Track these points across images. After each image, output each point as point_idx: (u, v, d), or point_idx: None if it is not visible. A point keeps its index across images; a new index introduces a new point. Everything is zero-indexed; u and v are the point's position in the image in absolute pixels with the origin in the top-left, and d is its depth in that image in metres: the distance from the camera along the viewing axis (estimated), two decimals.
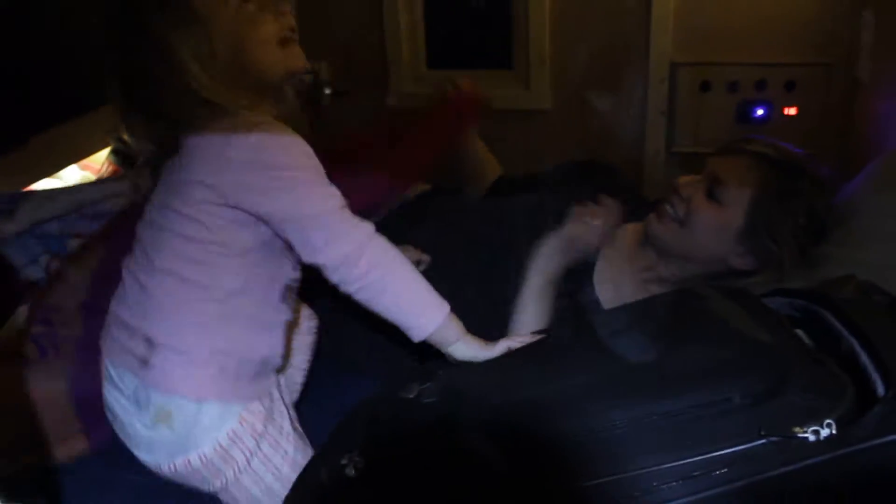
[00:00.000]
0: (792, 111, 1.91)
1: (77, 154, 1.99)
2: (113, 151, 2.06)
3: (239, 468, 1.07)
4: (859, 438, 0.70)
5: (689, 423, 0.79)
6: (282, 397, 1.16)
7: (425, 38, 2.09)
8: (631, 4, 1.91)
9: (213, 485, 1.08)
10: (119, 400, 1.08)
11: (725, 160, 1.41)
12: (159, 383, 1.04)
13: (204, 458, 1.05)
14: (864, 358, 0.84)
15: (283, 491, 1.03)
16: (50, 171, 1.94)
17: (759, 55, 1.90)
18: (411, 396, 0.98)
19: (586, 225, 1.40)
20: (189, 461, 1.05)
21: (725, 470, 0.73)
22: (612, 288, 1.42)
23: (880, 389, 0.78)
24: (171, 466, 1.06)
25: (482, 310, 1.30)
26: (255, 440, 1.08)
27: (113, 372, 1.07)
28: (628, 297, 1.37)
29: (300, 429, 1.17)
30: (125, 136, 1.69)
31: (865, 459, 0.70)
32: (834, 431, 0.72)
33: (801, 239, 1.36)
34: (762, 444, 0.74)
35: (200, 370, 1.04)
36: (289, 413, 1.16)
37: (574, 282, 1.45)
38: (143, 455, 1.09)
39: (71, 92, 2.03)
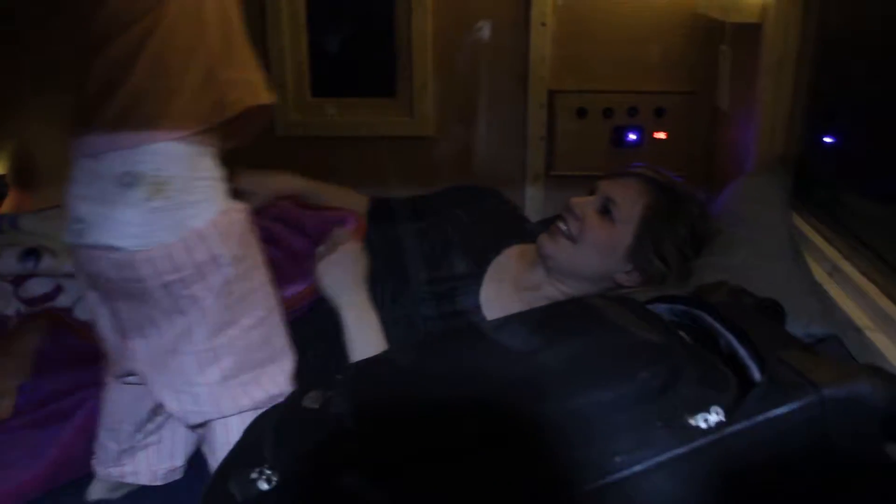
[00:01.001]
0: (662, 136, 2.04)
1: None
2: None
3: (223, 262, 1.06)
4: (743, 418, 0.77)
5: (592, 419, 0.85)
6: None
7: (309, 66, 2.10)
8: (510, 35, 1.99)
9: (191, 289, 1.06)
10: (98, 194, 1.03)
11: (617, 182, 1.49)
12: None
13: (199, 234, 1.03)
14: (741, 351, 0.93)
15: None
16: None
17: (631, 83, 2.02)
18: (315, 407, 1.00)
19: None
20: (187, 241, 1.02)
21: (627, 456, 0.79)
22: (499, 309, 1.45)
23: (757, 376, 0.86)
24: (168, 251, 1.02)
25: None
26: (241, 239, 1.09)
27: (91, 166, 1.04)
28: None
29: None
30: None
31: (751, 436, 0.76)
32: (722, 417, 0.79)
33: (685, 254, 1.46)
34: (660, 433, 0.80)
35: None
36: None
37: (459, 304, 1.49)
38: (131, 240, 1.02)
39: None
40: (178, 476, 1.31)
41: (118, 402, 1.25)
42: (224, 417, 1.15)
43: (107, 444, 1.27)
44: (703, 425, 0.79)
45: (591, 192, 1.50)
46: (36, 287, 1.55)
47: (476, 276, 1.52)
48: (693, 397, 0.83)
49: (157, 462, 1.30)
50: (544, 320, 1.05)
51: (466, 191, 1.77)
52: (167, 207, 1.02)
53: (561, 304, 1.16)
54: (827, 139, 1.63)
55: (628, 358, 0.90)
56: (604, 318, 1.03)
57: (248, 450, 1.01)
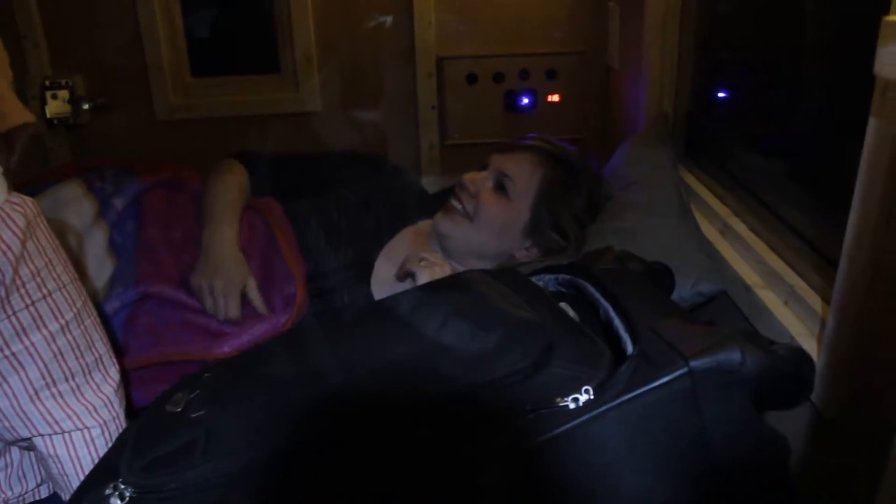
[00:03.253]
0: (555, 98, 2.00)
1: None
2: None
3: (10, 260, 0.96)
4: (611, 397, 0.73)
5: (462, 405, 0.80)
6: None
7: (186, 45, 1.99)
8: (394, 2, 1.92)
9: None
10: None
11: (510, 156, 1.44)
12: None
13: None
14: (616, 322, 0.89)
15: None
16: None
17: (520, 46, 1.97)
18: (178, 410, 0.93)
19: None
20: None
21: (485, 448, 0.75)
22: (389, 287, 1.40)
23: (630, 349, 0.82)
24: None
25: None
26: (26, 231, 0.98)
27: None
28: None
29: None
30: None
31: (620, 415, 0.73)
32: (592, 396, 0.75)
33: (582, 224, 1.43)
34: (531, 417, 0.75)
35: None
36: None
37: (350, 296, 1.43)
38: None
39: None
40: (35, 498, 1.21)
41: None
42: (41, 435, 1.05)
43: None
44: (571, 406, 0.75)
45: (484, 167, 1.45)
46: None
47: (365, 265, 1.46)
48: (566, 377, 0.79)
49: (7, 487, 1.20)
50: (416, 302, 1.00)
51: (355, 161, 1.69)
52: None
53: (436, 284, 1.10)
54: (716, 94, 1.61)
55: (499, 339, 0.86)
56: (478, 297, 0.98)
57: (105, 464, 0.94)
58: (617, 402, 0.73)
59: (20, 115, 1.04)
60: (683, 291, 1.24)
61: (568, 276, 1.11)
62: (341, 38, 1.95)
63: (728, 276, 1.26)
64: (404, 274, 1.34)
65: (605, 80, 1.99)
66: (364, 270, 1.45)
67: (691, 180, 1.53)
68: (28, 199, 1.03)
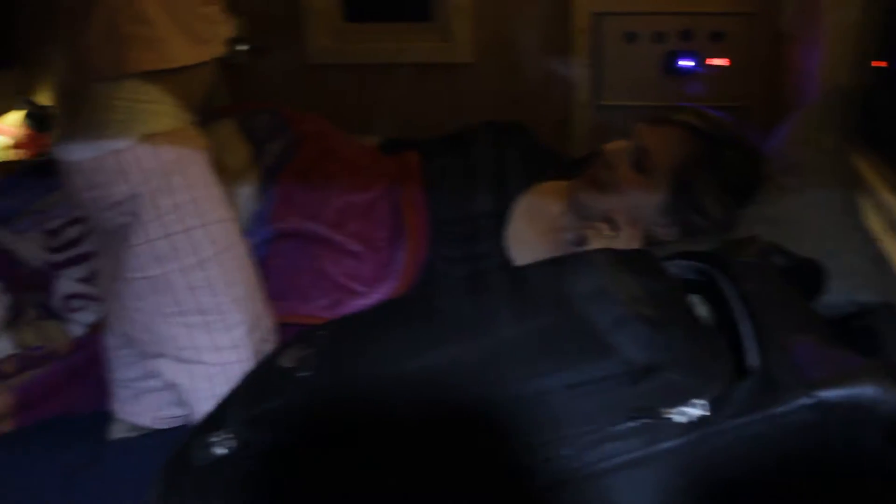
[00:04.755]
0: (719, 62, 1.85)
1: None
2: (28, 115, 1.97)
3: (150, 188, 1.04)
4: (723, 418, 0.65)
5: (561, 402, 0.75)
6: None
7: None
8: None
9: (127, 208, 1.06)
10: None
11: (653, 130, 1.37)
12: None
13: (117, 160, 1.03)
14: (743, 329, 0.80)
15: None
16: None
17: (684, 4, 1.83)
18: (288, 366, 0.93)
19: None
20: (102, 161, 1.03)
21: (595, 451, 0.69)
22: (527, 250, 1.36)
23: (754, 364, 0.73)
24: (88, 167, 1.05)
25: None
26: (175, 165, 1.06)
27: None
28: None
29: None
30: (35, 99, 1.61)
31: (729, 440, 0.65)
32: (704, 412, 0.68)
33: (727, 205, 1.33)
34: (631, 426, 0.69)
35: None
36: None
37: (483, 245, 1.39)
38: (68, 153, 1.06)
39: None
40: (182, 422, 1.26)
41: (112, 345, 1.21)
42: (167, 357, 1.11)
43: (113, 386, 1.24)
44: (680, 419, 0.68)
45: (628, 137, 1.37)
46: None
47: (500, 215, 1.42)
48: (676, 385, 0.72)
49: (159, 407, 1.25)
50: (528, 280, 0.94)
51: (488, 128, 1.64)
52: (87, 123, 1.04)
53: (551, 262, 1.04)
54: None
55: (606, 332, 0.79)
56: (598, 281, 0.91)
57: (216, 411, 0.95)
58: (729, 424, 0.65)
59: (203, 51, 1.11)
60: (836, 298, 1.10)
61: (703, 265, 1.02)
62: None
63: (894, 285, 1.12)
64: (578, 239, 1.32)
65: (776, 45, 1.81)
66: (499, 221, 1.41)
67: (864, 168, 1.37)
68: (189, 134, 1.10)
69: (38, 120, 1.97)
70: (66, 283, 1.35)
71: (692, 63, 1.85)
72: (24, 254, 1.38)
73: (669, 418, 0.68)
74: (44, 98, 2.03)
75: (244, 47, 2.02)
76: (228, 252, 1.10)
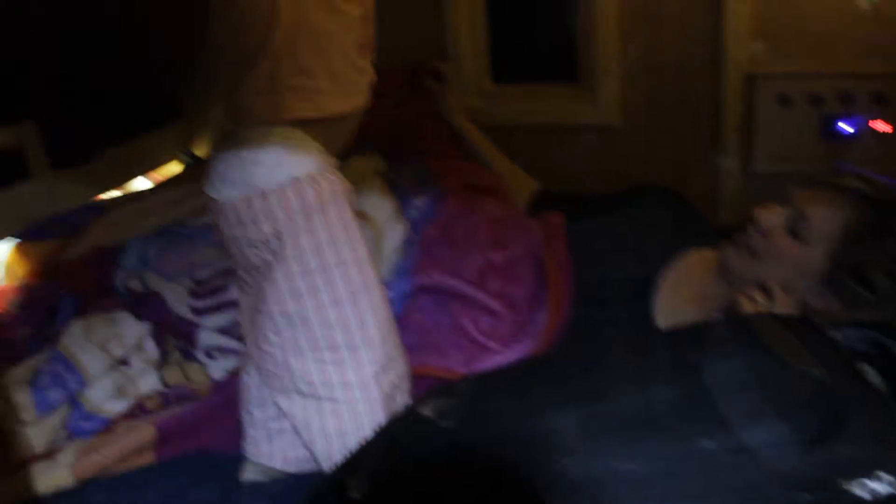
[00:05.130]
0: (883, 127, 1.77)
1: (145, 166, 2.02)
2: (187, 167, 2.09)
3: (294, 228, 1.09)
4: None
5: (725, 469, 0.71)
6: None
7: (488, 51, 2.02)
8: (701, 10, 1.81)
9: (269, 247, 1.10)
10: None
11: (811, 194, 1.30)
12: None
13: (264, 200, 1.08)
14: None
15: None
16: (118, 182, 1.98)
17: (843, 64, 1.76)
18: (430, 417, 0.93)
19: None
20: (250, 200, 1.08)
21: None
22: (674, 318, 1.32)
23: None
24: (234, 207, 1.10)
25: None
26: (317, 206, 1.10)
27: None
28: None
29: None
30: (195, 151, 1.71)
31: None
32: (892, 489, 0.63)
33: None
34: (808, 498, 0.65)
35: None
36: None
37: (628, 309, 1.36)
38: (216, 192, 1.13)
39: (142, 107, 2.08)
40: (312, 466, 1.28)
41: (248, 385, 1.25)
42: (297, 393, 1.14)
43: (246, 427, 1.28)
44: (863, 495, 0.63)
45: (782, 203, 1.32)
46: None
47: (648, 280, 1.38)
48: (855, 456, 0.67)
49: (290, 448, 1.27)
50: (679, 342, 0.91)
51: (641, 190, 1.62)
52: (237, 164, 1.10)
53: (712, 324, 1.00)
54: None
55: (778, 397, 0.75)
56: (762, 344, 0.87)
57: (353, 456, 0.97)
58: None
59: (353, 101, 1.20)
60: None
61: (875, 334, 0.96)
62: (645, 50, 1.87)
63: None
64: (730, 307, 1.28)
65: None
66: (645, 287, 1.38)
67: None
68: (331, 178, 1.14)
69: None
70: (208, 335, 1.40)
71: (852, 128, 1.77)
72: (171, 298, 1.45)
73: (850, 491, 0.63)
74: (203, 150, 2.15)
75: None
76: (364, 292, 1.13)
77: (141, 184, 2.15)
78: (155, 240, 1.58)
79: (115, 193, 2.02)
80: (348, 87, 1.21)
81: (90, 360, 1.33)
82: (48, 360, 1.34)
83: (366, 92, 1.27)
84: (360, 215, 1.46)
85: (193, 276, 1.49)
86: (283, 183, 1.10)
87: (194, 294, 1.45)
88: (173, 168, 2.14)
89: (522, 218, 1.58)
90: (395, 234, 1.47)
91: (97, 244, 1.60)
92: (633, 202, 1.56)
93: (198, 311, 1.42)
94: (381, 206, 1.51)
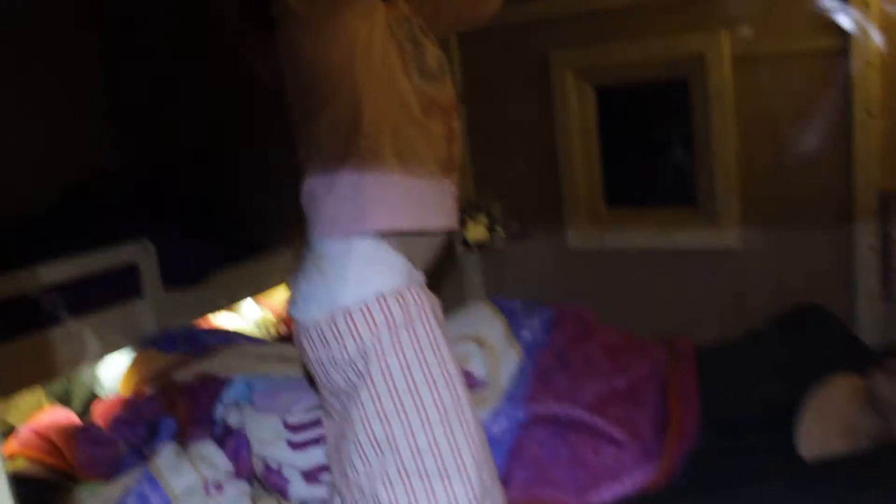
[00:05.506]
0: None
1: (254, 289, 2.03)
2: None
3: (380, 346, 1.04)
4: None
5: None
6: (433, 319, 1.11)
7: (602, 174, 1.98)
8: (830, 127, 1.72)
9: (356, 367, 1.06)
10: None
11: None
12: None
13: (349, 318, 1.05)
14: None
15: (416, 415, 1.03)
16: (226, 303, 2.00)
17: None
18: None
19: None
20: (334, 319, 1.05)
21: None
22: (820, 448, 1.20)
23: None
24: (318, 327, 1.07)
25: None
26: (403, 322, 1.06)
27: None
28: None
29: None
30: None
31: None
32: None
33: None
34: None
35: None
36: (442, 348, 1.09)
37: (770, 438, 1.24)
38: (300, 313, 1.11)
39: (253, 231, 2.12)
40: None
41: None
42: None
43: None
44: None
45: None
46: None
47: (789, 407, 1.26)
48: None
49: None
50: (836, 475, 0.79)
51: (788, 314, 1.51)
52: (321, 282, 1.09)
53: (865, 458, 0.87)
54: None
55: None
56: None
57: None
58: None
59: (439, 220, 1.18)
60: None
61: None
62: (767, 169, 1.79)
63: None
64: (882, 439, 1.17)
65: None
66: (788, 414, 1.26)
67: None
68: (418, 294, 1.10)
69: None
70: (299, 486, 1.35)
71: None
72: (259, 436, 1.40)
73: None
74: None
75: (502, 231, 2.06)
76: (456, 415, 1.06)
77: (249, 306, 2.18)
78: (260, 380, 1.56)
79: (226, 315, 2.05)
80: (432, 203, 1.18)
81: (179, 481, 1.30)
82: (138, 479, 1.31)
83: (452, 213, 1.23)
84: (478, 341, 1.42)
85: (290, 411, 1.45)
86: (369, 299, 1.06)
87: (290, 428, 1.40)
88: (282, 292, 2.15)
89: (644, 340, 1.49)
90: (510, 360, 1.42)
91: (210, 373, 1.61)
92: (779, 323, 1.48)
93: (295, 446, 1.37)
94: (493, 329, 1.46)
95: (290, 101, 1.18)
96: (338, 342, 1.07)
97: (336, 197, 1.11)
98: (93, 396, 1.80)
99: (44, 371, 1.56)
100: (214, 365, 1.65)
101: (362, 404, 1.05)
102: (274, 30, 1.17)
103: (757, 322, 1.60)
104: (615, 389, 1.35)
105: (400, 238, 1.13)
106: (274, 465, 1.37)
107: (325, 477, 1.33)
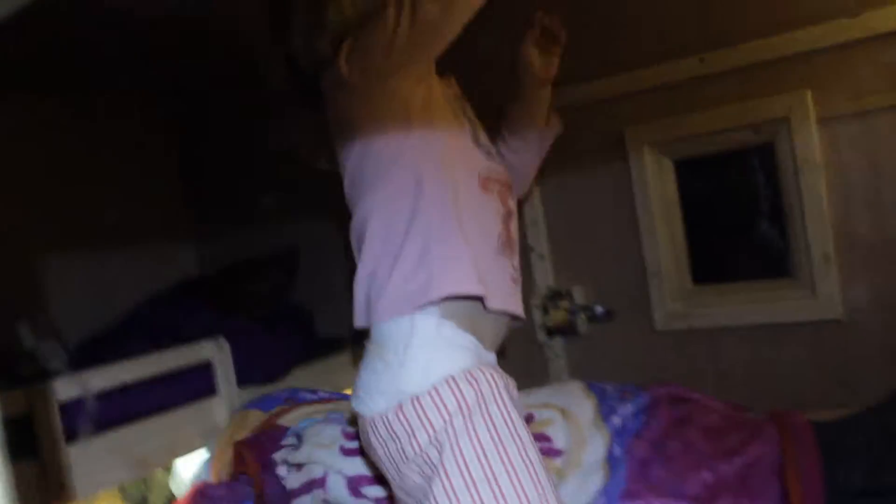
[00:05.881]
0: None
1: (328, 387, 2.00)
2: None
3: (453, 433, 0.97)
4: None
5: None
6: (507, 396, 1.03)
7: (688, 249, 1.89)
8: None
9: (428, 459, 0.99)
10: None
11: None
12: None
13: (417, 405, 0.99)
14: None
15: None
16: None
17: None
18: None
19: None
20: (402, 408, 0.99)
21: None
22: None
23: None
24: (385, 419, 1.01)
25: None
26: (476, 404, 0.99)
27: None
28: None
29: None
30: None
31: None
32: None
33: None
34: None
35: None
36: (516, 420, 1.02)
37: None
38: (364, 406, 1.05)
39: (328, 330, 2.11)
40: None
41: None
42: None
43: None
44: None
45: None
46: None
47: None
48: None
49: None
50: None
51: None
52: (384, 370, 1.03)
53: None
54: None
55: None
56: None
57: None
58: None
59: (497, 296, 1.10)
60: None
61: None
62: (866, 234, 1.67)
63: None
64: None
65: None
66: None
67: None
68: (490, 373, 1.03)
69: None
70: (339, 493, 1.34)
71: None
72: (317, 439, 1.43)
73: None
74: None
75: (584, 315, 1.98)
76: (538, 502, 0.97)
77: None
78: (315, 420, 1.56)
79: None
80: (494, 280, 1.11)
81: None
82: None
83: (515, 297, 1.15)
84: (564, 413, 1.34)
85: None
86: (438, 383, 1.00)
87: (347, 435, 1.41)
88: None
89: (752, 419, 1.37)
90: (595, 443, 1.33)
91: (274, 423, 1.60)
92: None
93: (346, 451, 1.39)
94: (582, 408, 1.37)
95: (344, 177, 1.14)
96: (407, 434, 1.00)
97: (399, 271, 1.05)
98: (171, 497, 1.76)
99: (120, 471, 1.52)
100: (293, 416, 1.64)
101: (436, 499, 0.98)
102: (323, 107, 1.15)
103: (865, 394, 1.47)
104: (723, 477, 1.24)
105: (466, 315, 1.06)
106: (320, 474, 1.35)
107: (366, 490, 1.31)
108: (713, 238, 1.91)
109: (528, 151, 1.33)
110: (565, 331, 2.00)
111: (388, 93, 1.07)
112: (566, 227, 2.01)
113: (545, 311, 2.00)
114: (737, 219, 1.90)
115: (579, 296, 1.99)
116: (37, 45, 1.63)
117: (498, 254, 1.13)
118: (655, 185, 1.87)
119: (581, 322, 1.98)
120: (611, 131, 1.90)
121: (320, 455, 1.36)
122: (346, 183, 1.13)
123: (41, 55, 1.72)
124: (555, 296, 1.99)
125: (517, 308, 1.15)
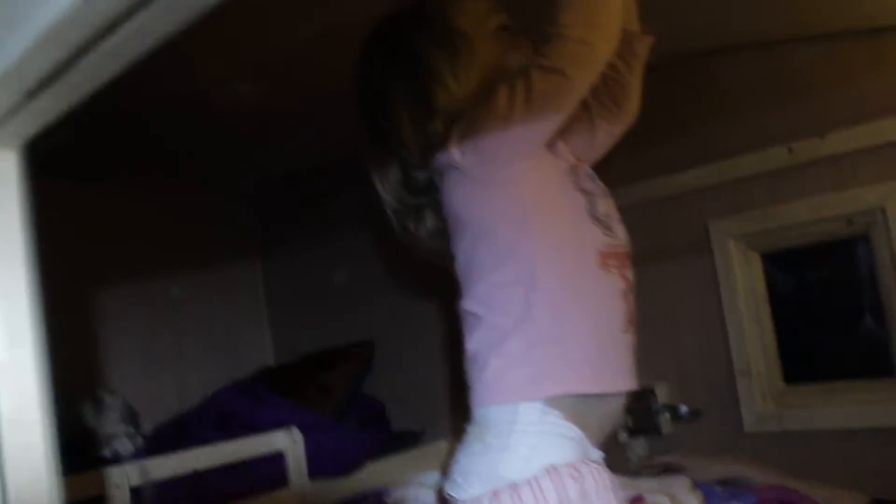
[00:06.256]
0: None
1: (403, 479, 1.96)
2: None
3: None
4: None
5: None
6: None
7: (777, 346, 1.80)
8: None
9: None
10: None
11: None
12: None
13: (515, 495, 0.94)
14: None
15: None
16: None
17: None
18: None
19: None
20: (498, 496, 0.94)
21: None
22: None
23: None
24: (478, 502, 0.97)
25: None
26: (579, 500, 0.93)
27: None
28: None
29: None
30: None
31: None
32: None
33: None
34: None
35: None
36: None
37: None
38: (461, 490, 1.00)
39: (407, 427, 2.07)
40: None
41: None
42: None
43: None
44: None
45: None
46: None
47: None
48: None
49: None
50: None
51: None
52: (483, 453, 0.99)
53: None
54: None
55: None
56: None
57: None
58: None
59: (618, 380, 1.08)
60: None
61: None
62: None
63: None
64: None
65: None
66: None
67: None
68: (596, 469, 0.99)
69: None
70: None
71: None
72: (422, 478, 1.49)
73: None
74: None
75: (668, 414, 1.90)
76: None
77: None
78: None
79: None
80: (610, 363, 1.06)
81: None
82: None
83: (632, 372, 1.11)
84: (672, 499, 1.34)
85: None
86: (538, 472, 0.95)
87: None
88: None
89: None
90: None
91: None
92: None
93: None
94: (688, 499, 1.31)
95: (457, 261, 1.11)
96: None
97: (506, 359, 1.01)
98: None
99: None
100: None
101: None
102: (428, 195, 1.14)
103: None
104: None
105: (574, 406, 1.01)
106: None
107: None
108: (805, 335, 1.83)
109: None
110: (648, 430, 1.91)
111: (504, 181, 1.05)
112: (649, 322, 1.94)
113: (627, 409, 1.92)
114: (831, 314, 1.81)
115: (662, 394, 1.91)
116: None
117: (623, 332, 1.08)
118: (742, 279, 1.81)
119: (664, 422, 1.90)
120: (695, 225, 1.86)
121: (423, 494, 1.32)
122: (459, 268, 1.11)
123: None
124: (637, 393, 1.92)
125: (634, 383, 1.10)
